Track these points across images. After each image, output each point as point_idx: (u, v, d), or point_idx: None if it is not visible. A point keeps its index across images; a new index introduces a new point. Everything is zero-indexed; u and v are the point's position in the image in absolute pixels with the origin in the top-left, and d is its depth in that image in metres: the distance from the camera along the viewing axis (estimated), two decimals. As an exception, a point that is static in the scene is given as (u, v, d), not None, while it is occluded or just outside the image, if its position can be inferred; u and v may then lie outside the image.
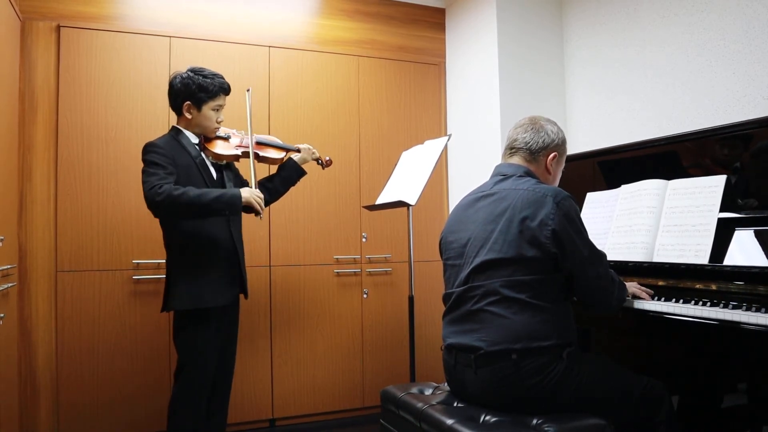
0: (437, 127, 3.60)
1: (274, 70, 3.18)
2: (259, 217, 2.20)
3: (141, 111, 2.90)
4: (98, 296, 2.77)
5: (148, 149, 2.16)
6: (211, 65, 2.90)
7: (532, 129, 1.84)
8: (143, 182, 2.09)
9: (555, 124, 1.87)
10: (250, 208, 2.21)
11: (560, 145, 1.86)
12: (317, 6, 3.37)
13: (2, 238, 2.28)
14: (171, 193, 2.01)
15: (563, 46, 3.35)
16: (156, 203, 2.02)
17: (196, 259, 2.18)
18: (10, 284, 2.38)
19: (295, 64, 3.24)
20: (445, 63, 3.66)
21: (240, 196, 2.11)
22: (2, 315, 2.25)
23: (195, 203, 2.04)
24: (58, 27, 2.78)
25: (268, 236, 3.12)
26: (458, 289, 1.71)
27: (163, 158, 2.12)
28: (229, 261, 2.26)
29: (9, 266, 2.38)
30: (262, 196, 2.19)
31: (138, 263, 2.83)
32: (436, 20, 3.66)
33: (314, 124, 3.26)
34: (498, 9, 3.19)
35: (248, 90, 2.43)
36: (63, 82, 2.77)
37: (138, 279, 2.82)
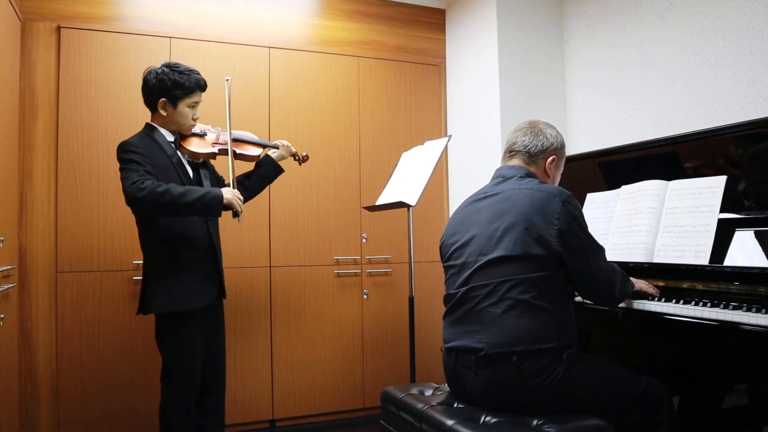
0: (437, 127, 3.60)
1: (274, 70, 3.18)
2: (237, 219, 2.13)
3: (141, 111, 2.86)
4: (98, 297, 2.77)
5: (125, 148, 2.09)
6: (212, 66, 2.92)
7: (530, 132, 1.85)
8: (123, 179, 2.03)
9: (554, 128, 1.88)
10: (229, 208, 2.13)
11: (559, 149, 1.86)
12: (317, 7, 3.37)
13: (2, 238, 2.28)
14: (154, 189, 1.97)
15: (563, 47, 3.35)
16: (138, 199, 1.97)
17: (175, 259, 2.12)
18: (10, 285, 2.38)
19: (296, 65, 3.24)
20: (445, 63, 3.66)
21: (221, 198, 2.06)
22: (2, 316, 2.25)
23: (177, 202, 1.99)
24: (59, 28, 2.78)
25: (268, 237, 3.11)
26: (461, 290, 1.71)
27: (141, 157, 2.07)
28: (208, 260, 2.21)
29: (9, 267, 2.38)
30: (242, 197, 2.14)
31: (138, 264, 2.82)
32: (436, 21, 3.66)
33: (314, 125, 3.26)
34: (498, 9, 3.19)
35: (227, 79, 2.31)
36: (63, 83, 2.77)
37: (138, 279, 2.81)
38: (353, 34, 3.43)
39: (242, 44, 3.12)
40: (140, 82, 2.88)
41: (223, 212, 2.16)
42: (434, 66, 3.61)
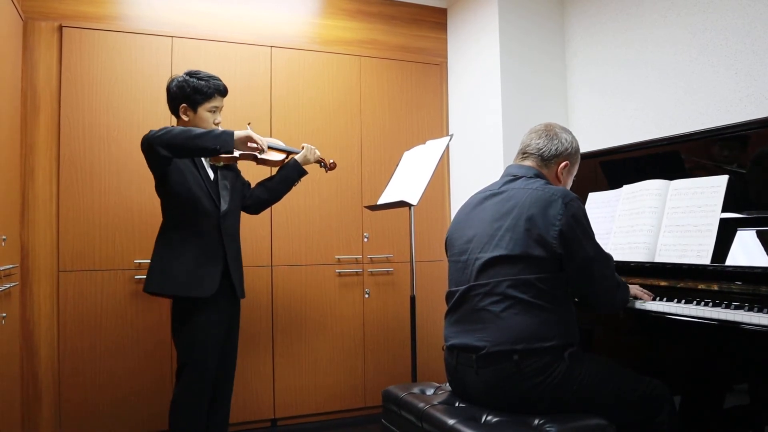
0: (439, 127, 3.60)
1: (275, 70, 3.18)
2: (258, 153, 2.20)
3: (143, 111, 2.90)
4: (100, 296, 2.77)
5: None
6: (213, 65, 2.92)
7: (546, 136, 1.84)
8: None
9: (570, 132, 1.87)
10: (248, 154, 2.26)
11: (573, 154, 1.85)
12: (319, 6, 3.37)
13: (4, 237, 2.28)
14: (167, 129, 2.06)
15: (565, 46, 3.35)
16: (150, 136, 2.06)
17: (174, 245, 2.18)
18: (12, 284, 2.39)
19: (297, 64, 3.24)
20: (446, 63, 3.66)
21: (233, 132, 2.11)
22: (4, 314, 2.25)
23: (185, 133, 2.05)
24: (60, 27, 2.79)
25: (269, 236, 3.12)
26: (461, 288, 1.72)
27: None
28: (212, 255, 2.22)
29: (11, 266, 2.39)
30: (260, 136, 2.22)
31: (140, 263, 2.82)
32: (437, 20, 3.66)
33: (316, 125, 3.26)
34: (500, 9, 3.19)
35: (249, 123, 2.42)
36: (65, 82, 2.78)
37: (140, 279, 2.82)
38: (355, 34, 3.43)
39: (244, 43, 3.12)
40: (142, 82, 2.91)
41: (243, 160, 2.25)
42: (436, 65, 3.61)
